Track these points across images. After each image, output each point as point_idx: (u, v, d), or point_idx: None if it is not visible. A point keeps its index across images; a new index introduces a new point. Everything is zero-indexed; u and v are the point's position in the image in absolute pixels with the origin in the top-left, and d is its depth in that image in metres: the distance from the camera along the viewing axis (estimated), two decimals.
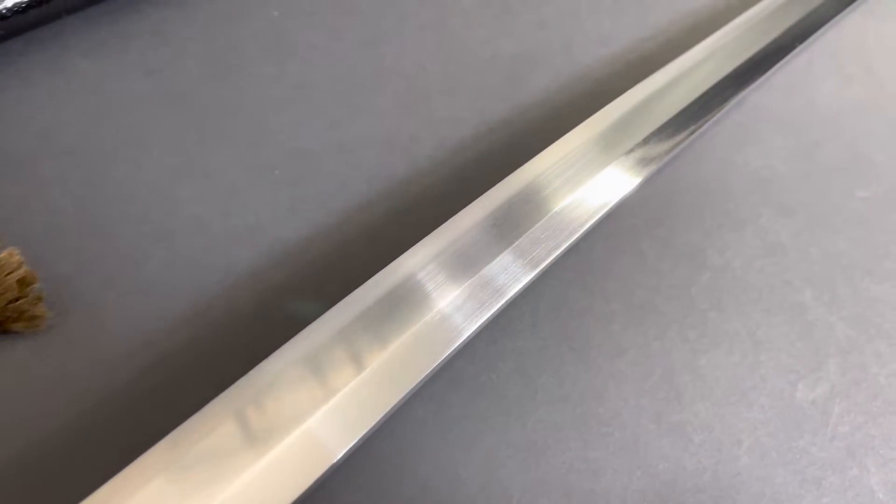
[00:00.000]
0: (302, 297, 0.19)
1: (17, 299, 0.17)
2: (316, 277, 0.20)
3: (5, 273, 0.17)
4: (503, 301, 0.18)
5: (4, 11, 0.20)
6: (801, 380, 0.22)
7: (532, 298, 0.21)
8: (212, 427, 0.14)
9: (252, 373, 0.15)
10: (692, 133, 0.25)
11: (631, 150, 0.23)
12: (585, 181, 0.21)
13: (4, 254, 0.17)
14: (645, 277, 0.23)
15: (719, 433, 0.20)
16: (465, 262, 0.18)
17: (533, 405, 0.19)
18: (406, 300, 0.17)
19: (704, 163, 0.26)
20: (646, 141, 0.24)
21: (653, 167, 0.23)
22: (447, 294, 0.17)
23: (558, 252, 0.19)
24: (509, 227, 0.19)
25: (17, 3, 0.20)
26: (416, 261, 0.17)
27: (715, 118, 0.26)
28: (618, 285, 0.22)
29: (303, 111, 0.23)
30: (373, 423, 0.15)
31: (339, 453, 0.14)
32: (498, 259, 0.18)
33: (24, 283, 0.17)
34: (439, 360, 0.16)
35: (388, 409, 0.15)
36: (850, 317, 0.24)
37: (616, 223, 0.24)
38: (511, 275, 0.18)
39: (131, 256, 0.19)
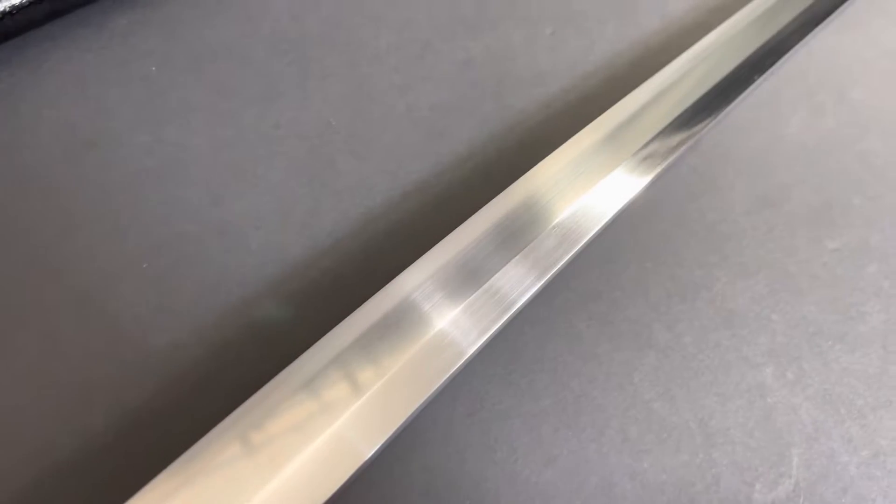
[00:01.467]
0: (172, 419, 0.18)
1: None
2: (188, 393, 0.18)
3: None
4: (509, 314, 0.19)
5: None
6: (759, 478, 0.21)
7: (447, 400, 0.20)
8: (213, 454, 0.15)
9: (248, 403, 0.16)
10: (643, 181, 0.23)
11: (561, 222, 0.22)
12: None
13: None
14: (581, 365, 0.21)
15: None
16: (466, 277, 0.19)
17: None
18: (404, 321, 0.18)
19: (652, 220, 0.25)
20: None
21: (589, 234, 0.22)
22: (446, 314, 0.18)
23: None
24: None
25: None
26: (414, 280, 0.19)
27: (666, 164, 0.24)
28: (549, 377, 0.21)
29: (179, 187, 0.21)
30: (388, 434, 0.16)
31: (353, 468, 0.16)
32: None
33: None
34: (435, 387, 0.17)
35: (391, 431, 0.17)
36: (816, 395, 0.23)
37: (548, 301, 0.22)
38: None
39: None
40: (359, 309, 0.18)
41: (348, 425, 0.16)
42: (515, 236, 0.20)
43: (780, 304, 0.24)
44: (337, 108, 0.24)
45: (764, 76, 0.28)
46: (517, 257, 0.20)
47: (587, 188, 0.22)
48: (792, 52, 0.30)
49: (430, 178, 0.24)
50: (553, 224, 0.21)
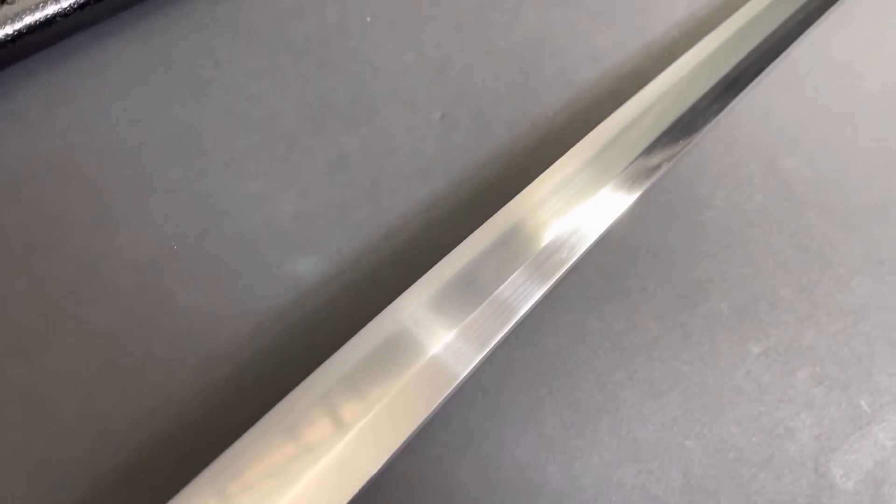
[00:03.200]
0: None
1: None
2: None
3: None
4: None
5: None
6: None
7: None
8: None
9: (236, 445, 0.17)
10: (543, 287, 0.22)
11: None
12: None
13: None
14: None
15: None
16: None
17: None
18: (394, 350, 0.20)
19: (547, 335, 0.24)
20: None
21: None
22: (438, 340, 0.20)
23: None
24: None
25: None
26: (407, 307, 0.20)
27: (570, 264, 0.23)
28: None
29: None
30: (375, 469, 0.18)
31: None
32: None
33: None
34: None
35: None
36: None
37: (421, 448, 0.21)
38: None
39: None
40: (344, 346, 0.20)
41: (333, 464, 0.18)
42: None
43: (696, 426, 0.23)
44: (181, 227, 0.23)
45: (677, 158, 0.27)
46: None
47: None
48: (714, 121, 0.29)
49: (287, 304, 0.22)
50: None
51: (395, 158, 0.26)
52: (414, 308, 0.20)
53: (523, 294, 0.22)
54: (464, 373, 0.20)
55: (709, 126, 0.29)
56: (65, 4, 0.22)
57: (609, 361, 0.24)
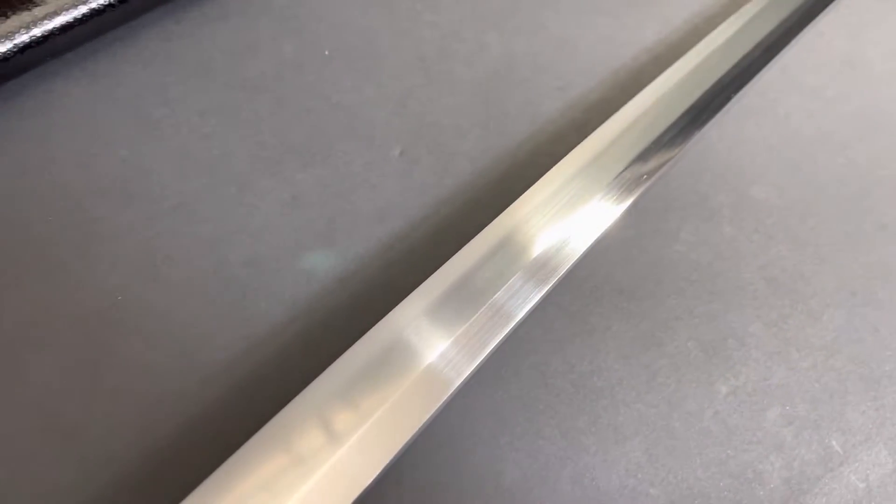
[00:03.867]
0: None
1: None
2: None
3: None
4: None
5: None
6: None
7: None
8: None
9: (230, 458, 0.18)
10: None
11: None
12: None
13: None
14: None
15: None
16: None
17: None
18: (389, 360, 0.20)
19: (509, 381, 0.24)
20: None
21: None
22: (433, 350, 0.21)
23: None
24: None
25: None
26: (397, 323, 0.21)
27: (526, 311, 0.23)
28: None
29: None
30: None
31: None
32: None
33: None
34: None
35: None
36: None
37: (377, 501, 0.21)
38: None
39: None
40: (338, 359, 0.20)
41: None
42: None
43: (661, 472, 0.23)
44: (126, 276, 0.23)
45: (640, 192, 0.27)
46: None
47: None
48: (685, 147, 0.29)
49: (237, 355, 0.22)
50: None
51: (351, 197, 0.26)
52: (409, 319, 0.21)
53: (518, 302, 0.22)
54: (458, 381, 0.20)
55: (680, 152, 0.29)
56: (3, 49, 0.22)
57: (572, 406, 0.24)
